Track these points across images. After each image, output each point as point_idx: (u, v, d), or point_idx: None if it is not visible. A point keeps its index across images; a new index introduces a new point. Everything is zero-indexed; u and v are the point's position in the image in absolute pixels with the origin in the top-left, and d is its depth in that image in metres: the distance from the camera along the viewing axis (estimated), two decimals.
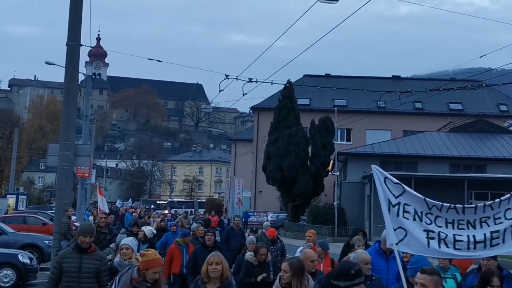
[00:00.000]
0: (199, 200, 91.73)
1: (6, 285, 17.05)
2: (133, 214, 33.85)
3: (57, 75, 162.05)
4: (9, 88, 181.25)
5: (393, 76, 68.75)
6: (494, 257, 7.82)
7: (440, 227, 6.81)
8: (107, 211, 18.68)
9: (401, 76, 70.96)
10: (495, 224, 6.87)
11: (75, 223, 20.51)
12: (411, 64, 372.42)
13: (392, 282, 7.88)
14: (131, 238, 9.06)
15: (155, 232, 14.39)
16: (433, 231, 6.78)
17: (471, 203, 37.24)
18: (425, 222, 6.81)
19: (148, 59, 22.95)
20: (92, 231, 8.08)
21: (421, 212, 6.84)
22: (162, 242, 15.90)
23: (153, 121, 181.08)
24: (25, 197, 53.05)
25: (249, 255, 10.57)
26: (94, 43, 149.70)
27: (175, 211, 50.28)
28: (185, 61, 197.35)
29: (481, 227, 6.85)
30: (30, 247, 21.21)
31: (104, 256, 8.38)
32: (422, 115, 60.37)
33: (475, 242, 6.76)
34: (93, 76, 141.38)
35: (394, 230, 6.73)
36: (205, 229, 15.17)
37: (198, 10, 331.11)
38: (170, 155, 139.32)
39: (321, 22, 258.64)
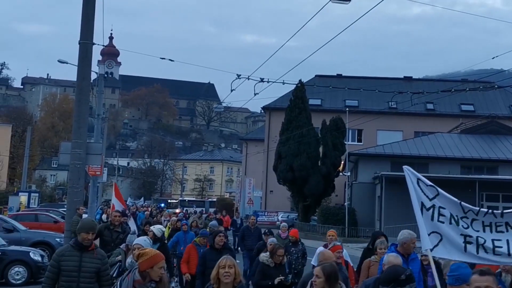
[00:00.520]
0: (210, 199, 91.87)
1: (18, 282, 17.21)
2: (145, 213, 33.87)
3: (70, 73, 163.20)
4: (22, 86, 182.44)
5: (404, 77, 68.52)
6: None
7: (478, 231, 6.48)
8: (122, 209, 18.56)
9: (413, 77, 70.72)
10: None
11: None
12: (423, 65, 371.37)
13: None
14: (143, 237, 8.59)
15: (164, 230, 14.23)
16: (470, 236, 6.46)
17: (482, 205, 37.09)
18: (462, 226, 6.49)
19: (160, 58, 23.08)
20: (94, 228, 7.74)
21: (457, 216, 6.53)
22: (174, 241, 15.75)
23: (164, 120, 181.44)
24: (37, 195, 53.28)
25: (264, 256, 10.05)
26: (106, 42, 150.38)
27: (186, 210, 50.33)
28: (197, 60, 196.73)
29: None
30: (42, 245, 21.33)
31: (104, 254, 7.94)
32: (433, 116, 60.13)
33: None
34: (105, 75, 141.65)
35: (429, 234, 6.44)
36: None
37: (210, 9, 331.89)
38: (182, 154, 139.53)
39: (333, 22, 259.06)
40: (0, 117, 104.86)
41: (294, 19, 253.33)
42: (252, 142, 78.86)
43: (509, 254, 6.42)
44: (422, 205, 6.52)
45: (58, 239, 21.28)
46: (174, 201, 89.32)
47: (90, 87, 17.02)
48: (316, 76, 65.90)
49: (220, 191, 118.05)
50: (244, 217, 40.79)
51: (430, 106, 59.30)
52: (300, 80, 48.81)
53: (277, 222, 53.37)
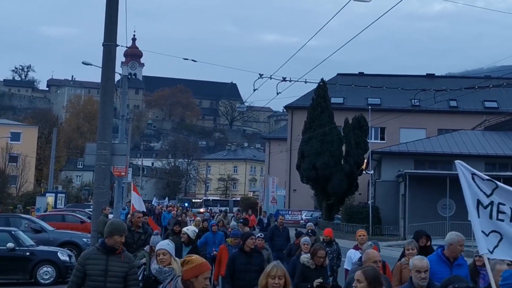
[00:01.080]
0: (233, 199, 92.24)
1: (46, 281, 17.46)
2: (172, 212, 33.93)
3: (94, 75, 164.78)
4: (47, 88, 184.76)
5: (427, 74, 68.19)
6: None
7: None
8: (143, 209, 18.37)
9: (436, 74, 70.37)
10: None
11: None
12: (446, 62, 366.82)
13: None
14: (167, 241, 7.85)
15: (197, 231, 13.68)
16: None
17: None
18: None
19: (183, 59, 23.36)
20: (125, 230, 7.29)
21: None
22: (202, 242, 15.27)
23: (188, 120, 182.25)
24: (63, 195, 53.74)
25: (305, 257, 9.55)
26: (129, 44, 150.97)
27: (210, 209, 50.62)
28: (219, 60, 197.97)
29: None
30: (69, 245, 21.56)
31: (132, 257, 7.44)
32: (457, 114, 59.67)
33: None
34: (129, 76, 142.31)
35: (487, 235, 5.87)
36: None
37: (231, 9, 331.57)
38: (205, 153, 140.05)
39: (354, 20, 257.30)
40: (27, 119, 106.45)
41: (314, 18, 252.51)
42: (275, 141, 78.94)
43: None
44: (479, 202, 5.94)
45: (85, 239, 21.53)
46: (198, 200, 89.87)
47: (115, 88, 17.14)
48: (338, 74, 65.79)
49: (244, 190, 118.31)
50: (270, 216, 40.89)
51: (453, 103, 58.92)
52: (322, 79, 48.82)
53: (301, 221, 53.48)
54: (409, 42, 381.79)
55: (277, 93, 22.93)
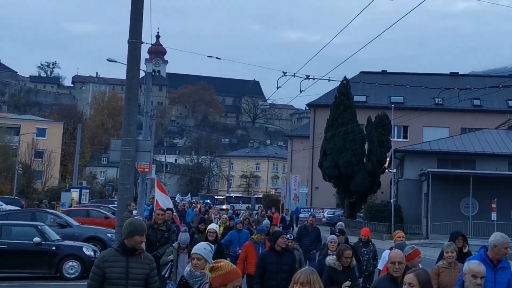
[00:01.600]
0: (256, 196, 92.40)
1: (72, 276, 17.67)
2: (194, 209, 33.89)
3: (118, 72, 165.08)
4: (72, 85, 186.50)
5: (451, 72, 67.68)
6: None
7: None
8: (170, 206, 17.79)
9: (459, 73, 69.84)
10: None
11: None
12: (469, 60, 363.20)
13: None
14: (204, 244, 7.09)
15: (218, 229, 13.31)
16: None
17: None
18: None
19: (208, 56, 23.61)
20: (145, 229, 6.84)
21: None
22: (227, 240, 14.99)
23: (211, 117, 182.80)
24: (88, 191, 54.22)
25: (331, 259, 8.99)
26: (153, 41, 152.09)
27: (233, 206, 50.86)
28: (241, 58, 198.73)
29: None
30: (94, 240, 21.80)
31: (152, 258, 6.96)
32: (480, 112, 59.22)
33: None
34: (153, 73, 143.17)
35: None
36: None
37: (254, 7, 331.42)
38: (228, 150, 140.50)
39: (378, 18, 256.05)
40: (52, 115, 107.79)
41: (337, 16, 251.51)
42: (297, 139, 78.98)
43: None
44: None
45: (109, 235, 21.72)
46: (221, 197, 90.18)
47: (139, 85, 17.27)
48: (361, 72, 65.54)
49: (266, 187, 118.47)
50: (290, 214, 40.98)
51: (476, 102, 58.48)
52: (345, 77, 48.72)
53: (323, 219, 53.47)
54: (432, 41, 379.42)
55: (300, 91, 22.90)
